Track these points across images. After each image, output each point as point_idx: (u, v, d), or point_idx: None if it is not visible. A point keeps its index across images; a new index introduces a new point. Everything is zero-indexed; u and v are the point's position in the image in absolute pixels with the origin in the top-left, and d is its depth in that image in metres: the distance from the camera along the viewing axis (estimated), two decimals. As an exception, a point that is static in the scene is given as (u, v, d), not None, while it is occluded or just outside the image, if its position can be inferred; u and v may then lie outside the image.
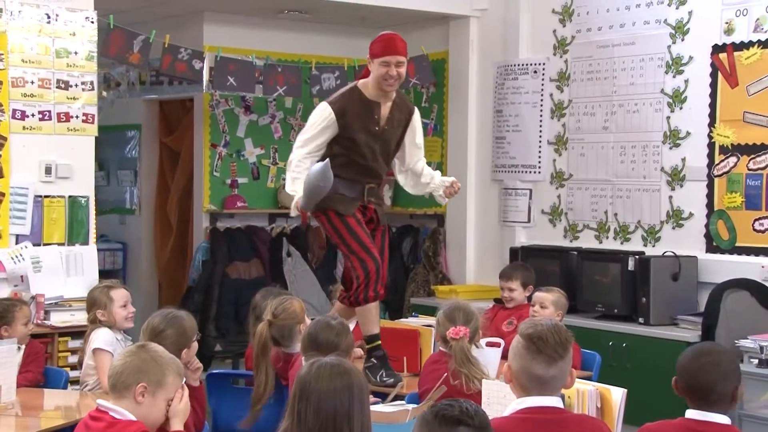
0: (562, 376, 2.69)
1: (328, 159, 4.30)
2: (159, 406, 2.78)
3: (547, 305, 4.78)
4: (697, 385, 2.87)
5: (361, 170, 4.52)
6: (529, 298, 5.06)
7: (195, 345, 3.54)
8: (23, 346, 4.42)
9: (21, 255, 5.45)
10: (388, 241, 4.73)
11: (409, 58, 7.13)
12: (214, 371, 4.59)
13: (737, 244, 5.69)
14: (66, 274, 5.59)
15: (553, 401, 2.67)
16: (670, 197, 6.07)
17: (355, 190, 4.51)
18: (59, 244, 5.65)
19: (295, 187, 4.42)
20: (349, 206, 4.48)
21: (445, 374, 3.62)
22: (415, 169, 4.75)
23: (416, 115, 4.70)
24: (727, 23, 5.75)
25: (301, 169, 4.41)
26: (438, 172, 4.79)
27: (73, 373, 4.74)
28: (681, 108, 6.01)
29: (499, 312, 5.22)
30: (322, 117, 4.47)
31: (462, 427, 2.16)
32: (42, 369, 4.52)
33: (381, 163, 4.58)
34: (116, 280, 4.82)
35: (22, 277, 5.43)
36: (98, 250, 5.94)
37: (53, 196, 5.65)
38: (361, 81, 4.56)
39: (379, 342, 4.46)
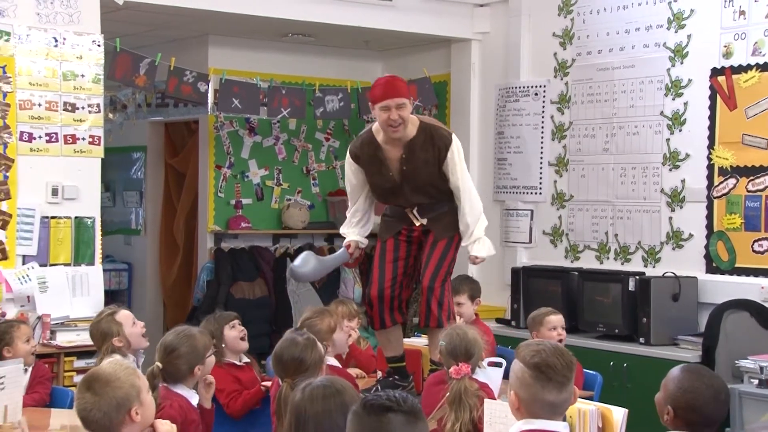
0: (570, 396, 2.71)
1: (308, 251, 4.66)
2: (149, 406, 2.77)
3: (562, 328, 4.75)
4: (712, 417, 2.81)
5: (391, 202, 4.53)
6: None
7: (210, 361, 3.57)
8: (30, 368, 4.45)
9: (27, 275, 5.51)
10: (441, 249, 4.43)
11: (411, 80, 7.32)
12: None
13: (737, 265, 5.74)
14: (72, 294, 5.64)
15: (560, 426, 2.67)
16: (670, 218, 6.12)
17: (396, 213, 4.52)
18: (65, 265, 5.71)
19: (345, 230, 4.64)
20: (385, 232, 4.50)
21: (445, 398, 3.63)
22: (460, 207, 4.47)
23: (452, 150, 4.34)
24: (725, 47, 5.82)
25: (356, 219, 4.60)
26: (477, 230, 4.50)
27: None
28: (680, 130, 6.07)
29: None
30: (347, 165, 4.54)
31: (391, 413, 2.14)
32: (49, 391, 4.51)
33: (411, 195, 4.41)
34: (112, 305, 4.70)
35: (28, 297, 5.49)
36: (104, 270, 6.00)
37: (60, 217, 5.71)
38: (376, 124, 4.39)
39: (398, 364, 4.54)
